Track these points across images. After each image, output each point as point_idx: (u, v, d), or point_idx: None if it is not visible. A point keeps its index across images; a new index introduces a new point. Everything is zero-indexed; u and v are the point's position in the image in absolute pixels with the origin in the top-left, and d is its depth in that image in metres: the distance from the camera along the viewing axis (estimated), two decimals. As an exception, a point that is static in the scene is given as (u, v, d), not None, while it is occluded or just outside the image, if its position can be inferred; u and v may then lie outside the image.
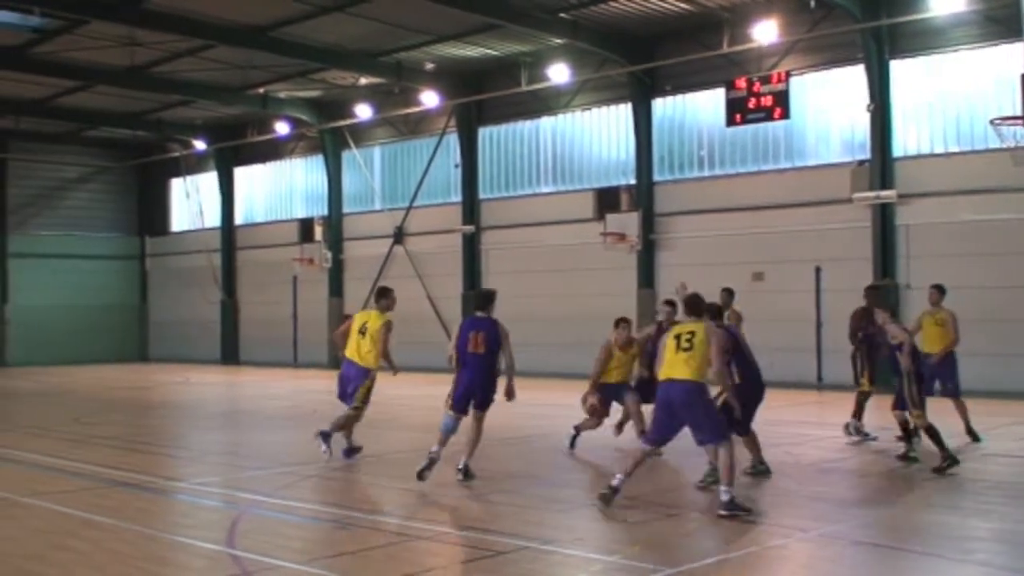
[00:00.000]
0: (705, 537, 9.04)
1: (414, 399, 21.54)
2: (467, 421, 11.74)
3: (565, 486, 11.44)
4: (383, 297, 13.45)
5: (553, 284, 29.96)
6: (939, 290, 15.10)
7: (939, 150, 23.72)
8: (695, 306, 10.27)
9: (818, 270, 25.11)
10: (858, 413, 14.88)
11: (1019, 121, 18.78)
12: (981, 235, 22.67)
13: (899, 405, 12.69)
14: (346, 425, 13.31)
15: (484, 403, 11.68)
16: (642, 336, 14.24)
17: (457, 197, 32.62)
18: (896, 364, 12.62)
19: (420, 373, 29.34)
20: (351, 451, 13.49)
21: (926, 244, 23.63)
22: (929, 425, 12.24)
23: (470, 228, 32.11)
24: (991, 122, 19.72)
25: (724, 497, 9.46)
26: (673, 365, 9.76)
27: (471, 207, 32.22)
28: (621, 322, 13.99)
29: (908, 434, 12.84)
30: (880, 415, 14.89)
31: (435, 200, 33.58)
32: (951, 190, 23.25)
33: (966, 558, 8.17)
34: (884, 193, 23.90)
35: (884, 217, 24.06)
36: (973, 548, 8.47)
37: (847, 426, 14.95)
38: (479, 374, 11.52)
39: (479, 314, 11.75)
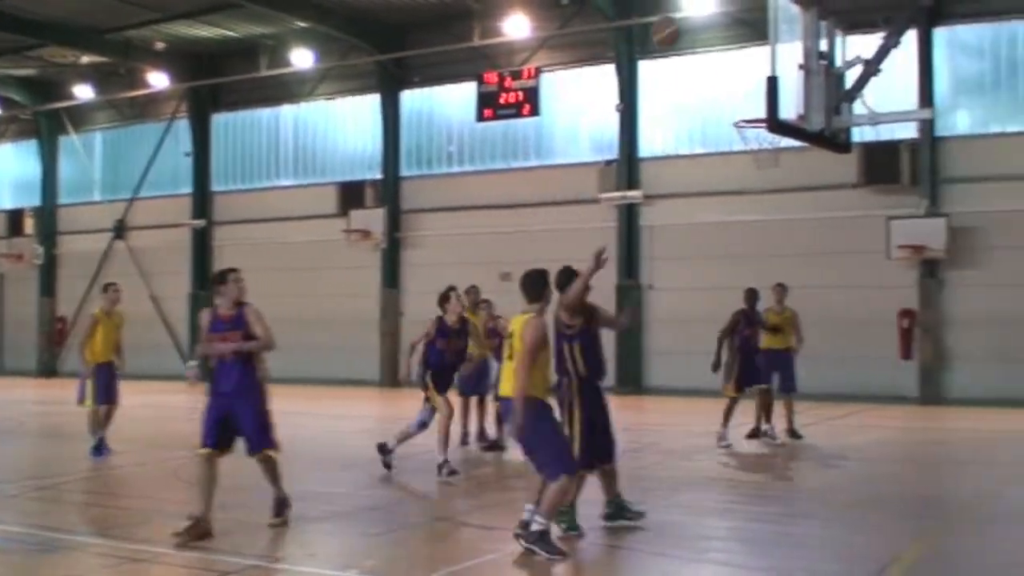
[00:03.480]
0: (444, 546, 8.57)
1: (139, 409, 19.88)
2: None
3: (298, 499, 10.56)
4: None
5: (292, 284, 28.44)
6: (783, 288, 15.08)
7: (684, 151, 23.98)
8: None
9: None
10: (727, 420, 14.10)
11: (762, 124, 18.90)
12: (723, 237, 22.99)
13: None
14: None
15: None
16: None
17: (187, 188, 30.65)
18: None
19: (144, 381, 27.42)
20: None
21: (669, 245, 23.79)
22: None
23: (201, 222, 30.24)
24: (735, 124, 19.82)
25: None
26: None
27: (202, 200, 30.38)
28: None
29: None
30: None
31: (162, 191, 31.42)
32: (695, 191, 23.53)
33: (701, 557, 8.18)
34: (630, 193, 23.98)
35: (630, 217, 24.10)
36: (709, 547, 8.52)
37: (719, 436, 14.07)
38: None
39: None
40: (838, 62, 12.84)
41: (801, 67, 12.28)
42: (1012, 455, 13.31)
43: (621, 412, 16.45)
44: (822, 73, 12.53)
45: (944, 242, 20.61)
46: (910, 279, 21.32)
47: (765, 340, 14.67)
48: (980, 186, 20.85)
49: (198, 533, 8.34)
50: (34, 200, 33.79)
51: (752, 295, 14.55)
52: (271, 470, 8.97)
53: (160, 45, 28.27)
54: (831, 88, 12.66)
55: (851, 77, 12.69)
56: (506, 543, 8.52)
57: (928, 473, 12.95)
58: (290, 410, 19.21)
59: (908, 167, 21.14)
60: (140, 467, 13.09)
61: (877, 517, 9.66)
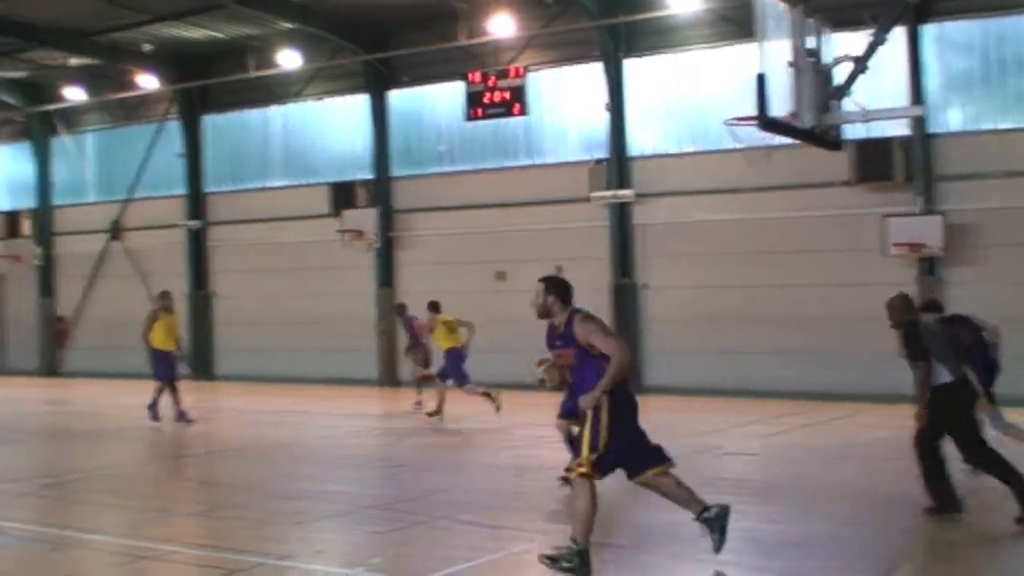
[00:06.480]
0: (450, 545, 8.60)
1: (135, 409, 19.87)
2: None
3: (304, 498, 10.70)
4: None
5: (288, 283, 28.52)
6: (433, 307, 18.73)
7: (674, 150, 23.96)
8: None
9: (559, 269, 24.85)
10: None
11: (753, 122, 18.96)
12: (717, 235, 23.02)
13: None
14: None
15: None
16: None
17: (181, 190, 30.60)
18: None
19: (138, 380, 27.43)
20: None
21: (662, 243, 23.84)
22: None
23: (196, 223, 30.23)
24: (725, 122, 19.87)
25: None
26: None
27: (196, 200, 30.35)
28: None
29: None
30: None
31: (156, 192, 31.34)
32: (686, 190, 23.54)
33: (711, 558, 8.00)
34: (621, 192, 23.98)
35: (622, 216, 24.13)
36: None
37: None
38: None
39: None
40: (826, 59, 12.93)
41: (790, 64, 12.36)
42: None
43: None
44: (811, 70, 12.61)
45: (941, 240, 20.50)
46: (908, 276, 21.22)
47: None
48: (975, 183, 20.77)
49: None
50: (30, 202, 33.75)
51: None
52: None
53: (147, 47, 28.10)
54: (820, 85, 12.75)
55: (840, 74, 12.79)
56: (511, 542, 8.59)
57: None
58: (291, 409, 19.39)
59: (902, 164, 21.07)
60: (147, 466, 13.15)
61: (881, 517, 9.61)
